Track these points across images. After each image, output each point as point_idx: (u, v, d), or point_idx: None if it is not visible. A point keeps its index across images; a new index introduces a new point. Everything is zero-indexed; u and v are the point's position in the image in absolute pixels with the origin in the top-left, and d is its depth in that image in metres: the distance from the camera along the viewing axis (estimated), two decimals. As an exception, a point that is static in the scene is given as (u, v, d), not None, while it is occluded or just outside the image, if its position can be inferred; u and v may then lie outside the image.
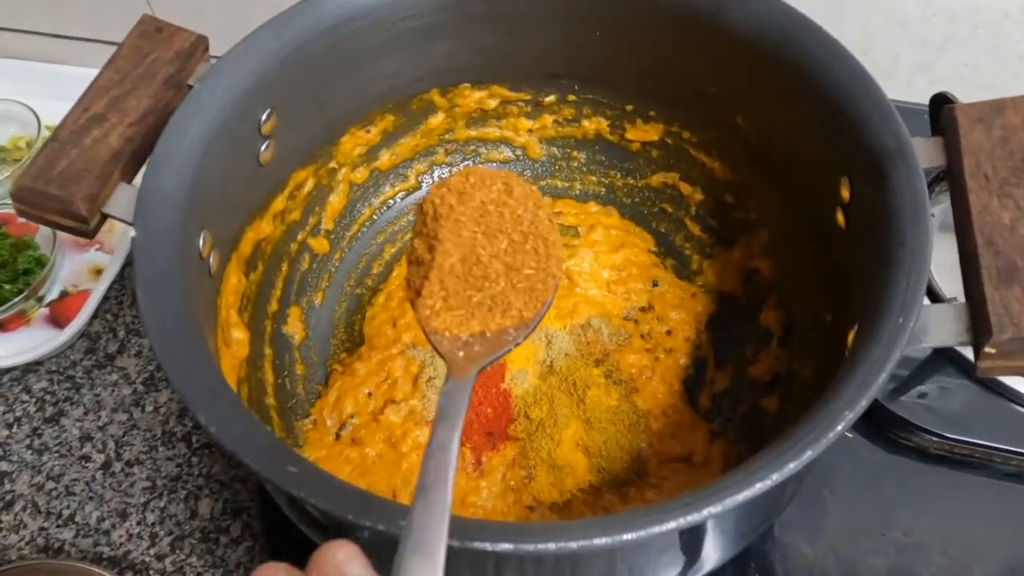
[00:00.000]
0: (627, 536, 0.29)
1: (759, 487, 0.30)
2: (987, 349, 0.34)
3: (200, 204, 0.42)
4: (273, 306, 0.54)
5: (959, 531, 0.52)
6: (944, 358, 0.57)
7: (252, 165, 0.48)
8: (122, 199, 0.40)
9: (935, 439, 0.54)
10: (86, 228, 0.39)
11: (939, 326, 0.35)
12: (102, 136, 0.40)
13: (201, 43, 0.45)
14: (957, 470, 0.54)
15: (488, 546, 0.29)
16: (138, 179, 0.42)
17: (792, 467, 0.30)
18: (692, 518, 0.29)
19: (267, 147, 0.48)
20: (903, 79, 0.71)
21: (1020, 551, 0.51)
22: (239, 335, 0.48)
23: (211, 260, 0.44)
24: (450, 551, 0.27)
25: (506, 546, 0.29)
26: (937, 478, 0.54)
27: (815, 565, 0.51)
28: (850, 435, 0.57)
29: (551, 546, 0.29)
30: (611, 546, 0.29)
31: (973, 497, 0.53)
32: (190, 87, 0.44)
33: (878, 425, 0.56)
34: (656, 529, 0.29)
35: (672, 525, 0.29)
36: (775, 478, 0.30)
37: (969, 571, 0.51)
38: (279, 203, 0.53)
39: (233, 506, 0.60)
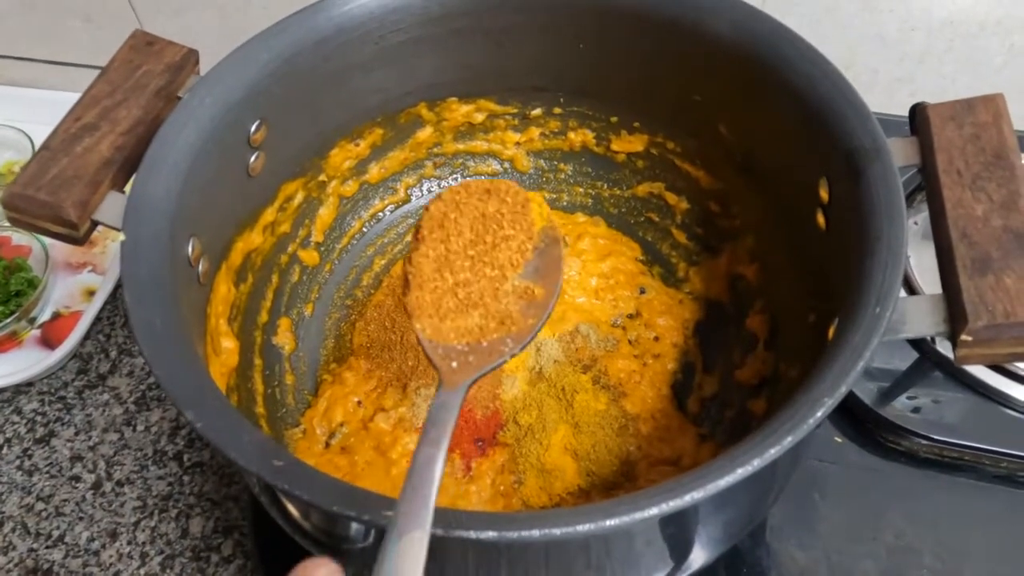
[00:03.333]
0: (610, 522, 0.29)
1: (740, 472, 0.30)
2: (963, 337, 0.34)
3: (189, 211, 0.42)
4: (263, 317, 0.55)
5: (950, 533, 0.52)
6: (931, 363, 0.57)
7: (242, 176, 0.49)
8: (112, 206, 0.41)
9: (925, 442, 0.54)
10: (76, 235, 0.40)
11: (917, 317, 0.36)
12: (93, 145, 0.41)
13: (192, 57, 0.46)
14: (947, 473, 0.55)
15: (472, 534, 0.29)
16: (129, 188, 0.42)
17: (773, 452, 0.31)
18: (674, 504, 0.29)
19: (257, 158, 0.49)
20: (884, 92, 0.73)
21: (1010, 553, 0.51)
22: (228, 344, 0.48)
23: (200, 268, 0.45)
24: (434, 547, 0.27)
25: (490, 534, 0.29)
26: (927, 482, 0.54)
27: (807, 570, 0.51)
28: (840, 440, 0.57)
29: (535, 533, 0.29)
30: (594, 532, 0.29)
31: (963, 500, 0.53)
32: (180, 99, 0.45)
33: (868, 430, 0.56)
34: (639, 515, 0.29)
35: (655, 511, 0.29)
36: (756, 463, 0.30)
37: (960, 573, 0.51)
38: (269, 215, 0.53)
39: (225, 524, 0.59)
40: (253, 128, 0.48)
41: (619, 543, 0.36)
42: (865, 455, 0.56)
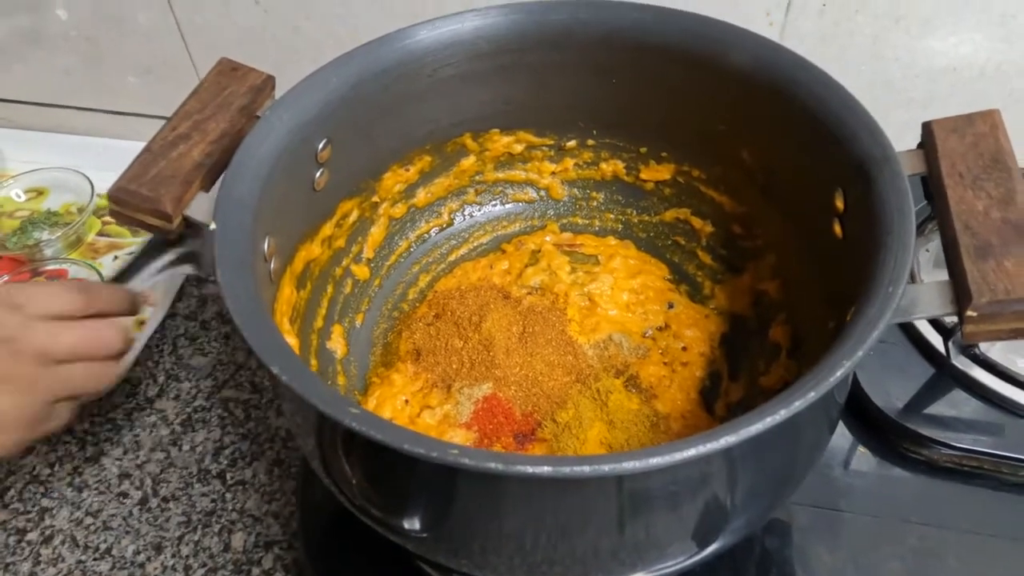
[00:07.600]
0: (654, 460, 0.32)
1: (769, 421, 0.33)
2: (969, 313, 0.38)
3: (265, 213, 0.47)
4: (319, 323, 0.59)
5: (971, 539, 0.54)
6: (949, 376, 0.60)
7: (308, 189, 0.54)
8: (201, 204, 0.46)
9: (945, 451, 0.56)
10: (169, 227, 0.45)
11: (927, 300, 0.40)
12: (187, 151, 0.46)
13: (270, 82, 0.52)
14: (967, 483, 0.57)
15: (529, 469, 0.32)
16: (214, 191, 0.48)
17: (798, 404, 0.34)
18: (711, 446, 0.33)
19: (322, 174, 0.54)
20: (892, 135, 0.77)
21: (1029, 557, 0.53)
22: (291, 341, 0.52)
23: (272, 265, 0.49)
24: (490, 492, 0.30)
25: (545, 469, 0.32)
26: (948, 490, 0.56)
27: (835, 569, 0.53)
28: (863, 451, 0.59)
29: (586, 469, 0.32)
30: (639, 470, 0.32)
31: (983, 507, 0.55)
32: (259, 116, 0.50)
33: (890, 441, 0.59)
34: (679, 455, 0.33)
35: (692, 452, 0.33)
36: (783, 414, 0.34)
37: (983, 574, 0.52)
38: (327, 229, 0.58)
39: (265, 540, 0.62)
40: (320, 146, 0.53)
41: (649, 510, 0.39)
42: (888, 465, 0.58)
